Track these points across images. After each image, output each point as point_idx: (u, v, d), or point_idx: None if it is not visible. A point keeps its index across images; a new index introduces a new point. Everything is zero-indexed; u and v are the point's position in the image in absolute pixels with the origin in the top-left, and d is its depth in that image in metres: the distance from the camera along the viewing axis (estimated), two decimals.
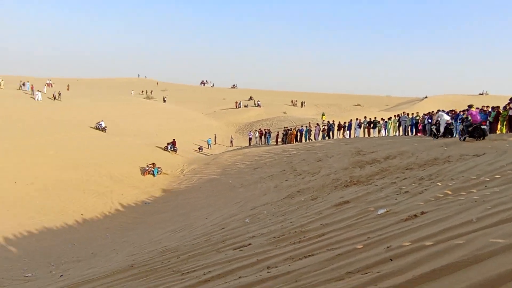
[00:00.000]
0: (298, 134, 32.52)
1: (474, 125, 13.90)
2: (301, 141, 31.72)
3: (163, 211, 20.50)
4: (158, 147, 33.46)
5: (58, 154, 25.53)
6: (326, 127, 31.08)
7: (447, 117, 17.53)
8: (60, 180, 22.29)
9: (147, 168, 26.40)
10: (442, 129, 17.39)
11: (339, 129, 30.39)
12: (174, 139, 34.14)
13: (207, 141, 38.95)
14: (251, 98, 69.02)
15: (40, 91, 43.55)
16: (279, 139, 34.12)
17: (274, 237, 6.44)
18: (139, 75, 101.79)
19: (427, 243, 3.91)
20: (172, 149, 33.39)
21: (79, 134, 31.74)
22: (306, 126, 33.13)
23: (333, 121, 31.34)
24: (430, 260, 3.42)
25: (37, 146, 26.13)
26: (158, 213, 20.27)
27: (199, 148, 36.94)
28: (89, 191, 21.82)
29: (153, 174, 26.34)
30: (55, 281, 9.88)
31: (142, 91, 71.64)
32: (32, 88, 45.40)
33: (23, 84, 47.45)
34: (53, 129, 31.57)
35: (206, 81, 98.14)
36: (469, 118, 14.28)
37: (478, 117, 14.17)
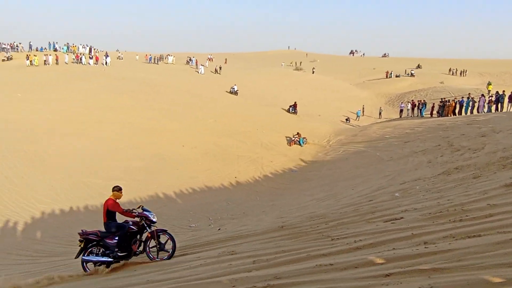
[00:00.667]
0: (458, 106, 29.15)
1: None
2: (461, 114, 28.42)
3: (309, 179, 20.99)
4: (283, 109, 35.23)
5: (217, 122, 28.14)
6: (493, 98, 27.12)
7: None
8: (218, 145, 24.63)
9: (293, 139, 26.96)
10: None
11: (510, 101, 26.21)
12: (295, 102, 35.59)
13: (356, 113, 37.95)
14: (419, 66, 64.51)
15: (203, 65, 48.20)
16: (435, 111, 31.15)
17: (430, 213, 6.00)
18: (289, 47, 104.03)
19: None
20: (293, 111, 34.88)
21: (233, 104, 34.30)
22: (468, 97, 29.45)
23: (504, 91, 27.11)
24: None
25: (200, 115, 29.21)
26: (305, 181, 20.83)
27: (347, 119, 36.29)
28: (242, 157, 23.59)
29: (300, 144, 26.86)
30: (214, 233, 11.10)
31: (291, 63, 73.11)
32: (196, 63, 50.54)
33: (190, 60, 53.17)
34: (212, 99, 34.79)
35: (356, 50, 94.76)
36: None
37: None
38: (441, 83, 51.00)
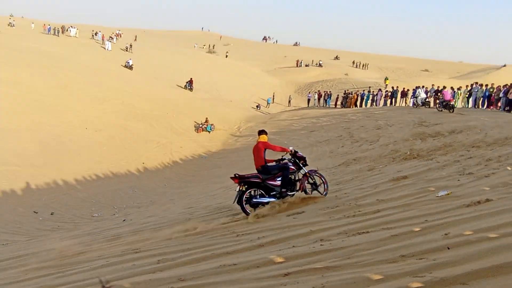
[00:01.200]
0: (359, 98, 31.56)
1: None
2: (361, 106, 30.81)
3: (218, 166, 21.19)
4: (178, 85, 36.28)
5: (124, 104, 26.83)
6: (389, 93, 29.82)
7: None
8: (125, 128, 23.59)
9: (200, 126, 26.84)
10: None
11: (402, 96, 29.05)
12: (191, 78, 36.74)
13: (267, 100, 38.95)
14: (336, 58, 68.20)
15: (110, 41, 45.29)
16: (339, 102, 33.35)
17: (328, 207, 6.50)
18: (202, 28, 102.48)
19: (491, 235, 3.76)
20: (189, 87, 36.06)
21: (145, 85, 32.98)
22: (368, 91, 32.00)
23: (397, 87, 29.94)
24: (492, 255, 3.30)
25: (106, 95, 27.56)
26: (214, 168, 20.99)
27: (257, 106, 37.14)
28: (151, 142, 22.96)
29: (207, 131, 26.87)
30: (119, 225, 10.73)
31: (204, 45, 72.22)
32: (103, 38, 47.29)
33: (95, 34, 49.53)
34: (122, 79, 33.02)
35: (269, 37, 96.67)
36: None
37: None
38: (345, 75, 54.52)
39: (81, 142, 20.57)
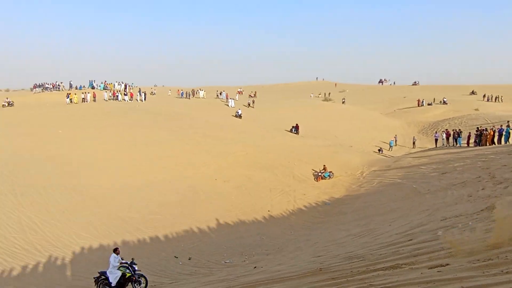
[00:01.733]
0: (496, 134, 28.23)
1: None
2: (500, 143, 27.45)
3: (343, 213, 20.63)
4: (286, 130, 36.80)
5: (248, 155, 28.35)
6: None
7: None
8: (250, 178, 24.74)
9: (319, 174, 26.30)
10: None
11: None
12: (297, 124, 37.94)
13: (389, 143, 37.31)
14: (473, 93, 64.35)
15: (232, 99, 49.12)
16: (471, 141, 30.25)
17: (478, 260, 5.78)
18: (317, 78, 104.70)
19: None
20: (295, 132, 37.16)
21: (266, 136, 34.57)
22: (507, 126, 28.49)
23: None
24: None
25: (231, 149, 29.55)
26: (339, 215, 20.49)
27: (379, 150, 35.76)
28: (275, 190, 23.56)
29: (325, 178, 26.22)
30: (250, 272, 11.03)
31: (320, 94, 73.40)
32: (227, 96, 51.58)
33: (220, 93, 54.34)
34: (246, 133, 35.21)
35: (385, 79, 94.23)
36: None
37: None
38: (476, 110, 49.72)
39: (212, 192, 22.15)
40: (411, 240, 9.55)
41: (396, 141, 38.28)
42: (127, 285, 11.10)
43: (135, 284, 11.11)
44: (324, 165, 26.79)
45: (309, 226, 19.43)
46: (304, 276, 7.44)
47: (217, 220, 19.09)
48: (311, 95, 72.23)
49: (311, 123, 41.52)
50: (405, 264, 6.62)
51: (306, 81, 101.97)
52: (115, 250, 11.32)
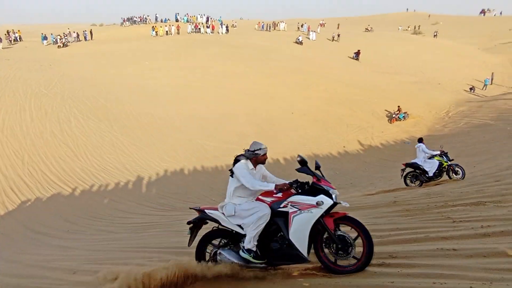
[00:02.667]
0: None
1: None
2: None
3: None
4: (349, 57, 31.72)
5: (328, 90, 27.63)
6: None
7: None
8: (327, 113, 24.29)
9: (393, 115, 24.56)
10: None
11: None
12: (359, 50, 36.77)
13: (484, 81, 33.78)
14: None
15: (314, 31, 47.12)
16: None
17: None
18: (407, 9, 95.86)
19: None
20: (356, 58, 36.03)
21: (347, 71, 33.23)
22: None
23: None
24: None
25: (311, 82, 28.95)
26: None
27: (471, 89, 32.67)
28: (352, 126, 22.97)
29: (400, 119, 24.47)
30: None
31: (409, 27, 67.51)
32: (308, 28, 49.61)
33: (301, 26, 52.38)
34: (326, 66, 34.11)
35: (488, 9, 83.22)
36: None
37: None
38: None
39: (288, 125, 22.23)
40: (498, 181, 8.86)
41: (492, 79, 34.58)
42: (441, 176, 11.32)
43: (452, 174, 11.20)
44: (399, 106, 24.89)
45: (385, 164, 18.90)
46: (377, 207, 7.34)
47: (292, 152, 19.25)
48: (399, 27, 66.78)
49: (396, 58, 38.86)
50: (489, 202, 6.18)
51: (395, 12, 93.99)
52: (421, 140, 11.76)
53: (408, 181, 11.61)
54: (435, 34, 58.12)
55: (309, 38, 45.49)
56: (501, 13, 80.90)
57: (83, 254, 7.12)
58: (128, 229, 9.63)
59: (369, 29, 58.43)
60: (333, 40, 45.58)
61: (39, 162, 14.98)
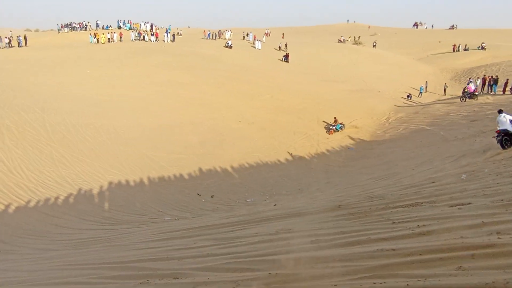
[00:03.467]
0: None
1: None
2: None
3: (366, 158, 20.52)
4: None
5: (273, 98, 28.07)
6: None
7: None
8: (274, 121, 24.65)
9: (331, 127, 24.43)
10: None
11: None
12: (287, 53, 35.58)
13: (419, 89, 35.94)
14: None
15: (259, 40, 47.79)
16: (508, 88, 28.85)
17: (502, 200, 5.63)
18: (348, 20, 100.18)
19: None
20: (285, 60, 33.63)
21: (291, 80, 33.94)
22: None
23: None
24: None
25: (257, 91, 29.26)
26: (362, 159, 20.40)
27: (408, 96, 34.64)
28: (299, 133, 23.48)
29: (337, 130, 24.46)
30: (270, 209, 11.23)
31: (350, 37, 70.51)
32: (254, 37, 50.22)
33: (247, 35, 52.94)
34: (271, 76, 34.63)
35: (420, 22, 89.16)
36: None
37: None
38: None
39: (235, 134, 22.27)
40: (433, 182, 9.41)
41: (426, 87, 36.89)
42: None
43: None
44: (335, 117, 24.92)
45: (331, 170, 19.48)
46: (323, 211, 7.51)
47: (239, 161, 19.32)
48: (342, 37, 69.55)
49: (338, 67, 40.33)
50: (425, 202, 6.54)
51: (336, 23, 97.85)
52: (501, 111, 13.03)
53: (505, 145, 12.89)
54: (374, 44, 61.14)
55: (254, 47, 46.05)
56: (432, 26, 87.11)
57: (17, 276, 6.62)
58: (68, 245, 9.12)
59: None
60: (280, 50, 46.44)
61: None
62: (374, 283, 3.24)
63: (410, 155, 18.26)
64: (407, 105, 31.86)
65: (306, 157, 21.20)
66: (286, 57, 40.54)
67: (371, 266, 3.67)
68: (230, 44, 44.30)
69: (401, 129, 24.75)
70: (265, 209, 11.32)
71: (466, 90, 29.09)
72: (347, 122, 25.73)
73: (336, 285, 3.35)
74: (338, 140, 23.56)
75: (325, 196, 12.07)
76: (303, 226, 6.22)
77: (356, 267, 3.73)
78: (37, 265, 7.54)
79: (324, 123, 25.47)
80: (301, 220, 7.19)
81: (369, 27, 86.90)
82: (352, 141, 23.56)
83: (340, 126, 24.56)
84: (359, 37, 69.58)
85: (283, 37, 61.16)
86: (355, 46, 60.18)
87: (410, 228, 4.83)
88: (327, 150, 22.18)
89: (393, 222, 5.33)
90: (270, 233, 6.18)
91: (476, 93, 28.82)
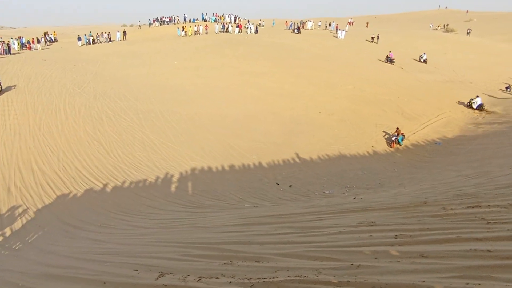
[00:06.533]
0: None
1: None
2: None
3: (455, 154, 19.18)
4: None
5: (355, 89, 27.33)
6: None
7: None
8: (355, 112, 24.03)
9: (393, 139, 21.03)
10: None
11: None
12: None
13: None
14: None
15: (343, 30, 46.59)
16: None
17: None
18: (439, 6, 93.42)
19: None
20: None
21: (375, 70, 32.72)
22: None
23: None
24: None
25: (338, 81, 28.70)
26: (449, 155, 19.12)
27: (507, 88, 31.51)
28: (381, 126, 22.62)
29: (399, 143, 20.78)
30: (349, 202, 11.05)
31: (439, 26, 65.74)
32: (336, 27, 49.15)
33: (329, 24, 51.98)
34: (353, 65, 33.72)
35: None
36: None
37: None
38: None
39: (315, 125, 22.13)
40: None
41: None
42: None
43: None
44: (397, 128, 21.34)
45: (415, 165, 18.54)
46: (407, 207, 7.21)
47: (318, 152, 19.19)
48: (430, 25, 65.19)
49: (428, 56, 37.90)
50: None
51: (426, 10, 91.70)
52: None
53: None
54: (468, 31, 56.37)
55: (337, 37, 45.02)
56: None
57: (115, 248, 7.34)
58: (157, 224, 9.84)
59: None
60: (372, 41, 44.37)
61: (73, 159, 15.51)
62: (467, 284, 3.08)
63: (508, 153, 16.71)
64: (506, 97, 29.02)
65: (388, 150, 20.40)
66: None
67: (462, 266, 3.48)
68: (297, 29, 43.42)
69: (497, 124, 22.67)
70: (344, 202, 11.16)
71: None
72: (434, 116, 24.22)
73: (424, 281, 3.25)
74: (423, 134, 22.28)
75: (409, 192, 11.54)
76: (385, 220, 6.05)
77: (444, 265, 3.57)
78: (131, 239, 8.28)
79: (384, 133, 23.66)
80: (383, 214, 6.98)
81: (467, 11, 79.98)
82: (439, 136, 22.13)
83: (402, 137, 20.94)
84: (447, 25, 64.61)
85: (367, 26, 59.07)
86: (445, 33, 56.08)
87: (508, 230, 4.47)
88: (412, 144, 21.10)
89: (488, 222, 4.97)
90: (351, 225, 6.10)
91: None
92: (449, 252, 3.89)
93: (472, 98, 26.40)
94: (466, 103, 26.68)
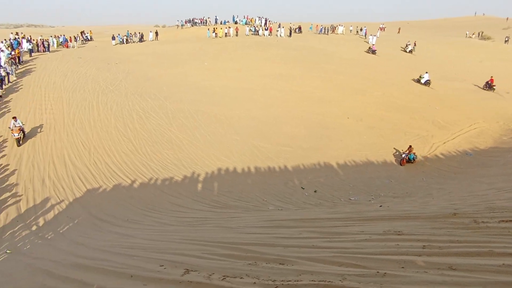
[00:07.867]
0: None
1: None
2: None
3: (487, 166, 18.58)
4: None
5: (385, 95, 26.91)
6: None
7: None
8: (384, 119, 23.65)
9: (403, 156, 19.51)
10: None
11: None
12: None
13: None
14: None
15: (374, 35, 45.92)
16: None
17: None
18: (475, 13, 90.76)
19: None
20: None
21: (406, 77, 32.14)
22: None
23: None
24: None
25: (367, 87, 28.35)
26: (482, 167, 18.53)
27: None
28: (410, 134, 22.19)
29: (410, 160, 19.43)
30: (375, 210, 10.90)
31: (474, 33, 63.79)
32: (366, 33, 48.56)
33: (360, 30, 51.44)
34: (383, 72, 33.24)
35: None
36: None
37: None
38: None
39: (342, 130, 21.93)
40: None
41: None
42: None
43: None
44: (410, 146, 20.04)
45: (444, 175, 18.08)
46: (435, 218, 7.05)
47: (345, 158, 18.99)
48: (467, 32, 63.40)
49: (460, 64, 36.95)
50: None
51: (461, 16, 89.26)
52: None
53: None
54: (506, 39, 54.53)
55: (367, 43, 44.45)
56: None
57: (142, 243, 7.51)
58: (183, 222, 10.00)
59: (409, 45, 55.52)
60: (406, 48, 43.05)
61: (103, 154, 15.96)
62: None
63: None
64: None
65: (417, 159, 19.97)
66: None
67: (494, 281, 3.39)
68: (373, 49, 40.19)
69: None
70: (370, 209, 11.01)
71: None
72: (466, 125, 23.54)
73: None
74: (454, 144, 21.69)
75: (437, 202, 11.28)
76: (413, 230, 5.94)
77: (475, 279, 3.49)
78: (157, 235, 8.44)
79: (395, 150, 22.36)
80: (410, 223, 6.85)
81: (507, 19, 77.27)
82: (471, 146, 21.50)
83: (414, 156, 19.60)
84: (482, 32, 62.61)
85: (399, 31, 58.14)
86: (481, 41, 54.44)
87: None
88: (442, 154, 20.58)
89: None
90: (377, 233, 6.03)
91: None
92: (481, 266, 3.79)
93: (421, 74, 30.46)
94: (415, 79, 31.03)
